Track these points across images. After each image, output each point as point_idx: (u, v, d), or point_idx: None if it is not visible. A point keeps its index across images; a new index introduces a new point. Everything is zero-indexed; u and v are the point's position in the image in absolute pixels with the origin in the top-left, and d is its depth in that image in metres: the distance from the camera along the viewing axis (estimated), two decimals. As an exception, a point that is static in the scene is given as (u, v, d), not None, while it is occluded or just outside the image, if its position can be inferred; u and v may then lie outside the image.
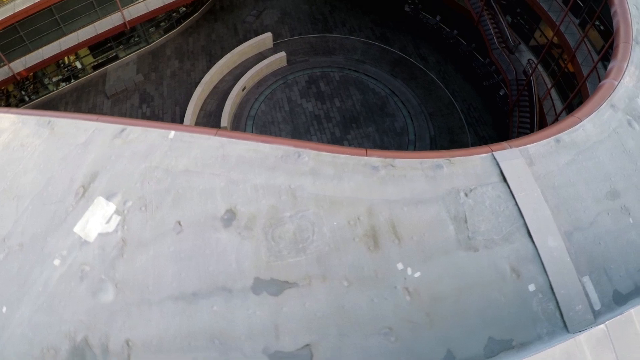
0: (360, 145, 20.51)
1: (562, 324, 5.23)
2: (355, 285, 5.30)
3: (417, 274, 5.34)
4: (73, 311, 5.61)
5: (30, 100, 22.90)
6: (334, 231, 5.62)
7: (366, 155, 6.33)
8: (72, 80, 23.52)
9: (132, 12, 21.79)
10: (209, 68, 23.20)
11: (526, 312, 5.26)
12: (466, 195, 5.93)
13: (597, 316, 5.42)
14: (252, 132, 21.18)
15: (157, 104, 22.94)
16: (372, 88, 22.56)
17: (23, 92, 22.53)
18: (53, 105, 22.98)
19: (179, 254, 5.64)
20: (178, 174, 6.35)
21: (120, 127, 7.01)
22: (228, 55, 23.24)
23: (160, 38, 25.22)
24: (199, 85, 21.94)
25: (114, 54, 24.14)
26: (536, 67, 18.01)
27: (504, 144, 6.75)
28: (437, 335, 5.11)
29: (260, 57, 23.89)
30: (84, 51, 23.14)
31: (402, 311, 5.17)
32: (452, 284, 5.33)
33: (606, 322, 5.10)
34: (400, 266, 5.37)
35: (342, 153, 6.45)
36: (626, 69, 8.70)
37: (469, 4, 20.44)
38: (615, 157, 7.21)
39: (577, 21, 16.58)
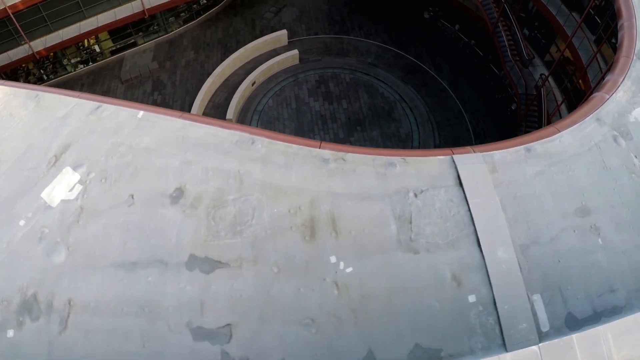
0: (362, 148, 20.39)
1: (501, 341, 5.00)
2: (284, 273, 5.29)
3: (349, 269, 5.25)
4: (28, 268, 5.91)
5: (49, 79, 23.64)
6: (273, 218, 5.65)
7: (319, 148, 6.32)
8: (90, 63, 24.18)
9: (152, 0, 22.28)
10: (222, 60, 23.49)
11: (462, 323, 5.05)
12: (416, 196, 5.80)
13: (543, 338, 5.14)
14: (256, 127, 21.33)
15: (169, 92, 23.35)
16: (381, 92, 22.41)
17: (42, 71, 23.30)
18: (69, 86, 23.68)
19: (127, 225, 5.92)
20: (139, 151, 6.65)
21: (96, 104, 7.44)
22: (242, 50, 23.48)
23: (179, 28, 25.69)
24: (210, 77, 22.23)
25: (132, 41, 24.71)
26: (546, 79, 17.55)
27: (468, 148, 6.58)
28: (360, 333, 5.00)
29: (274, 53, 24.06)
30: (103, 35, 23.78)
31: (328, 304, 5.09)
32: (384, 284, 5.20)
33: (540, 345, 4.90)
34: (333, 259, 5.31)
35: (295, 143, 6.43)
36: (621, 83, 8.39)
37: (485, 13, 20.09)
38: (593, 172, 6.93)
39: (592, 37, 16.09)
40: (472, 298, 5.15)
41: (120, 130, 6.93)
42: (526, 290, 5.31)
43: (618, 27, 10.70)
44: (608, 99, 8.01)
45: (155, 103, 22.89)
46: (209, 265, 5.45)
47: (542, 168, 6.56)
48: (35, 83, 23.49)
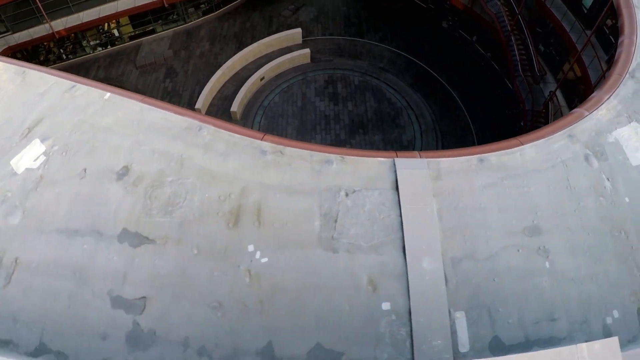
0: (362, 151, 20.26)
1: (410, 355, 4.84)
2: (202, 255, 5.39)
3: (264, 260, 5.28)
4: (-13, 226, 6.29)
5: (67, 59, 24.41)
6: (202, 202, 5.79)
7: (261, 140, 6.34)
8: (108, 47, 24.84)
9: (172, -10, 22.74)
10: (235, 54, 23.75)
11: (370, 330, 4.94)
12: (347, 195, 5.75)
13: (459, 358, 4.95)
14: (259, 122, 21.49)
15: (180, 80, 23.76)
16: (388, 97, 22.22)
17: (62, 50, 24.07)
18: (86, 67, 24.39)
19: (76, 196, 6.28)
20: (100, 129, 7.03)
21: (72, 83, 7.92)
22: (255, 45, 23.69)
23: (197, 19, 26.12)
24: (220, 69, 22.51)
25: (151, 28, 25.26)
26: (553, 95, 17.04)
27: (415, 152, 6.47)
28: (263, 324, 4.98)
29: (287, 51, 24.16)
30: (124, 20, 24.41)
31: (237, 291, 5.13)
32: (297, 279, 5.18)
33: None
34: (250, 248, 5.35)
35: (239, 133, 6.49)
36: (606, 101, 8.05)
37: (498, 25, 19.67)
38: (553, 191, 6.61)
39: (605, 57, 15.54)
40: (386, 306, 5.03)
41: (87, 109, 7.34)
42: (448, 306, 5.13)
43: (618, 43, 10.32)
44: (587, 115, 7.70)
45: (166, 90, 23.34)
46: (137, 240, 5.66)
47: (493, 180, 6.35)
48: (54, 62, 24.34)
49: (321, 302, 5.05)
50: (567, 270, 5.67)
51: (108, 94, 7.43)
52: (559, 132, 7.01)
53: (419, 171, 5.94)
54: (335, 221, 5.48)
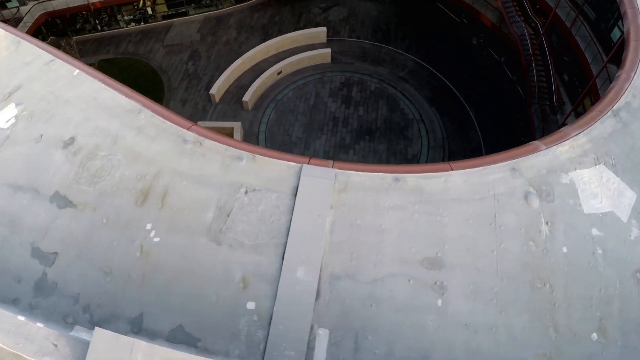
0: (364, 158, 20.10)
1: (259, 357, 4.86)
2: (109, 225, 5.78)
3: (157, 239, 5.55)
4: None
5: (102, 30, 25.46)
6: (122, 178, 6.15)
7: (187, 129, 6.52)
8: (141, 23, 25.72)
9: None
10: (259, 45, 24.04)
11: (230, 324, 5.02)
12: (246, 193, 5.86)
13: None
14: (269, 114, 21.69)
15: (202, 64, 24.31)
16: (402, 108, 21.91)
17: (97, 22, 25.12)
18: (117, 40, 25.35)
19: (27, 157, 6.80)
20: (62, 102, 7.52)
21: (52, 57, 8.41)
22: (278, 38, 23.90)
23: (229, 7, 26.62)
24: (240, 57, 22.86)
25: (184, 10, 25.96)
26: (561, 126, 16.27)
27: (330, 161, 6.35)
28: (140, 296, 5.25)
29: (310, 48, 24.24)
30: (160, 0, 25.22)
31: (127, 262, 5.45)
32: (177, 262, 5.40)
33: None
34: (148, 227, 5.65)
35: (170, 121, 6.66)
36: (573, 137, 7.62)
37: (520, 47, 18.98)
38: (472, 226, 6.17)
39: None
40: (251, 305, 5.10)
41: (57, 82, 7.84)
42: (313, 321, 5.08)
43: (615, 77, 9.79)
44: (542, 150, 7.30)
45: (187, 72, 23.94)
46: (63, 202, 6.12)
47: (403, 203, 6.08)
48: (89, 31, 25.44)
49: (192, 288, 5.24)
50: (461, 313, 5.37)
51: (77, 71, 7.88)
52: (501, 164, 6.69)
53: (322, 180, 5.83)
54: (228, 215, 5.61)
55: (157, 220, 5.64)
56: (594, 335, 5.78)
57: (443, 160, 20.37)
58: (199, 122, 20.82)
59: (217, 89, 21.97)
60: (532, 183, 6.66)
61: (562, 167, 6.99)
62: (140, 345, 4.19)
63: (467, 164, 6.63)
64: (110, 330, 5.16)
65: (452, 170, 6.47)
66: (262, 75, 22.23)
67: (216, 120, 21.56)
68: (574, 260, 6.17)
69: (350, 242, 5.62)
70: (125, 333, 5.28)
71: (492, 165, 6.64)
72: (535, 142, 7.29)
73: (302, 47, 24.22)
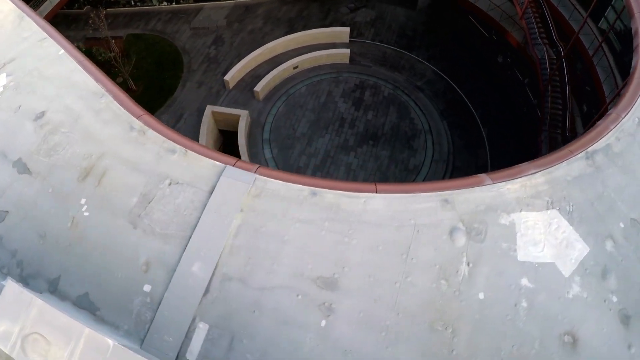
0: (365, 162, 20.00)
1: (142, 337, 5.12)
2: (52, 195, 6.25)
3: (87, 214, 5.97)
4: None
5: (135, 5, 26.32)
6: (72, 155, 6.58)
7: (137, 118, 6.80)
8: (173, 3, 26.41)
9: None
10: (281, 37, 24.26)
11: (125, 302, 5.32)
12: (170, 184, 6.09)
13: None
14: (279, 107, 21.87)
15: (224, 50, 24.75)
16: (412, 117, 21.62)
17: (131, -3, 26.04)
18: (148, 17, 26.14)
19: (5, 123, 7.38)
20: (43, 78, 8.05)
21: (45, 35, 8.92)
22: (300, 33, 24.03)
23: (260, -3, 26.93)
24: (259, 48, 23.13)
25: (215, -5, 26.48)
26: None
27: (254, 166, 6.39)
28: (62, 261, 5.76)
29: (332, 46, 24.26)
30: (194, -17, 25.80)
31: (59, 229, 5.92)
32: (97, 236, 5.79)
33: None
34: (82, 201, 6.06)
35: (126, 108, 7.02)
36: (529, 175, 7.24)
37: (539, 70, 18.33)
38: (380, 253, 5.93)
39: None
40: (147, 288, 5.37)
41: (44, 59, 8.31)
42: (196, 314, 5.27)
43: (606, 114, 9.34)
44: (487, 184, 6.96)
45: (207, 56, 24.44)
46: (22, 169, 6.64)
47: (313, 218, 6.04)
48: (123, 5, 26.35)
49: (104, 262, 5.62)
50: (343, 339, 5.29)
51: (62, 51, 8.33)
52: (433, 193, 6.43)
53: (239, 183, 5.91)
54: (149, 203, 5.85)
55: (91, 197, 6.07)
56: None
57: (445, 175, 20.01)
58: (209, 106, 21.32)
59: (232, 75, 22.33)
60: (464, 219, 6.29)
61: (505, 206, 6.47)
62: (37, 302, 4.47)
63: (395, 188, 6.43)
64: (32, 286, 5.70)
65: (377, 192, 6.32)
66: (277, 68, 22.44)
67: (227, 106, 21.93)
68: (489, 309, 5.80)
69: (250, 247, 5.68)
70: (42, 291, 5.79)
71: (422, 194, 6.38)
72: (482, 175, 6.86)
73: (324, 45, 24.26)
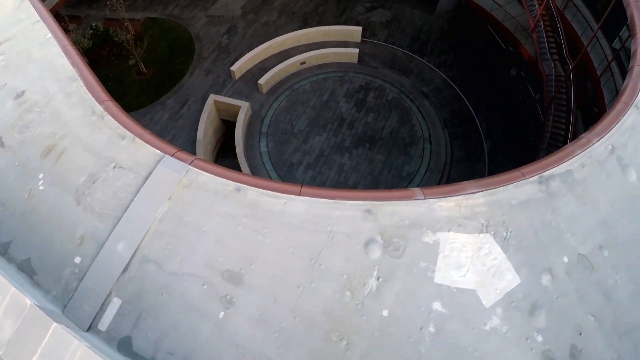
0: (358, 164, 19.87)
1: (65, 303, 5.73)
2: (18, 168, 6.85)
3: (42, 188, 6.57)
4: None
5: (155, -10, 26.80)
6: (39, 133, 7.12)
7: (99, 104, 7.30)
8: (192, -10, 26.76)
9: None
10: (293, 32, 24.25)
11: (59, 270, 5.98)
12: (114, 167, 6.49)
13: (91, 330, 5.60)
14: (281, 101, 21.94)
15: (236, 40, 24.96)
16: (413, 123, 21.31)
17: (152, -18, 26.48)
18: (166, 2, 26.61)
19: None
20: (29, 59, 8.55)
21: (38, 18, 9.35)
22: (312, 29, 23.97)
23: (278, -11, 26.95)
24: (269, 41, 23.20)
25: (234, -15, 26.65)
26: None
27: (191, 157, 6.57)
28: (15, 228, 6.39)
29: (343, 44, 24.10)
30: (213, -29, 26.05)
31: (17, 200, 6.56)
32: (46, 210, 6.42)
33: (65, 327, 5.08)
34: (40, 176, 6.63)
35: (92, 93, 7.59)
36: (468, 195, 6.97)
37: (545, 87, 17.71)
38: (291, 255, 6.02)
39: None
40: (77, 260, 5.93)
41: (33, 41, 8.81)
42: (112, 289, 5.73)
43: (579, 137, 8.93)
44: (418, 199, 6.75)
45: (219, 45, 24.71)
46: None
47: (233, 213, 6.25)
48: (144, -11, 26.86)
49: (48, 232, 6.20)
50: (237, 333, 5.43)
51: (49, 35, 8.78)
52: (357, 202, 6.35)
53: (172, 173, 6.23)
54: (93, 183, 6.39)
55: (48, 173, 6.65)
56: None
57: (439, 185, 19.65)
58: (212, 95, 21.58)
59: (239, 67, 22.52)
60: (384, 232, 6.15)
61: (432, 223, 6.27)
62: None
63: (319, 192, 6.40)
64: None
65: (299, 195, 6.32)
66: (284, 62, 22.48)
67: (231, 96, 22.15)
68: (391, 328, 5.70)
69: (172, 233, 6.02)
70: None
71: (346, 201, 6.33)
72: (415, 189, 6.66)
73: (335, 43, 24.12)
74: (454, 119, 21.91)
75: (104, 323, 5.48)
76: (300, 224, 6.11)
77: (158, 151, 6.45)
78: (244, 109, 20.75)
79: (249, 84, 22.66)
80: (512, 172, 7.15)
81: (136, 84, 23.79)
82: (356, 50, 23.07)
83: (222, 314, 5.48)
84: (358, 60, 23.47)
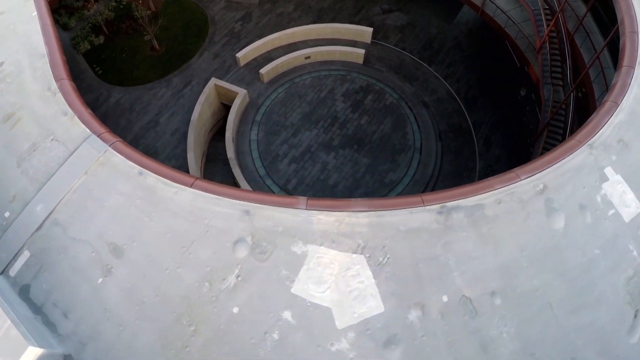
0: (342, 164, 19.78)
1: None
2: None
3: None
4: None
5: (180, -30, 27.31)
6: (5, 102, 7.99)
7: (56, 81, 8.00)
8: (215, -26, 27.13)
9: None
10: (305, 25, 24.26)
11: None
12: (52, 139, 7.29)
13: (4, 273, 6.50)
14: (279, 92, 22.06)
15: (249, 28, 25.23)
16: (406, 132, 20.97)
17: (178, -39, 26.99)
18: (189, -17, 27.10)
19: None
20: (15, 33, 9.30)
21: (32, 2, 10.04)
22: (322, 25, 23.92)
23: (299, -18, 26.94)
24: (278, 32, 23.32)
25: (256, -27, 26.83)
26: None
27: (114, 139, 7.43)
28: None
29: (352, 44, 23.94)
30: (237, -43, 26.31)
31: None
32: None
33: None
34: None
35: (53, 70, 8.11)
36: (353, 212, 6.75)
37: (542, 114, 17.02)
38: (166, 239, 6.48)
39: None
40: (6, 214, 6.82)
41: (21, 17, 9.58)
42: (25, 243, 6.58)
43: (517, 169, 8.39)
44: (300, 208, 6.72)
45: (231, 30, 25.06)
46: None
47: (130, 193, 6.87)
48: (170, -32, 27.42)
49: None
50: (107, 299, 6.18)
51: (35, 13, 9.50)
52: (241, 201, 6.55)
53: (93, 151, 7.00)
54: (34, 151, 7.22)
55: (2, 136, 7.53)
56: None
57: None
58: (213, 78, 21.95)
59: (244, 54, 22.78)
60: (256, 234, 6.25)
61: (305, 235, 6.29)
62: None
63: (209, 187, 6.62)
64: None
65: (191, 187, 6.55)
66: (288, 55, 22.56)
67: (233, 82, 22.45)
68: (237, 326, 5.86)
69: (79, 203, 6.78)
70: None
71: (229, 199, 6.47)
72: (300, 198, 6.64)
73: (344, 41, 23.99)
74: (450, 132, 21.42)
75: (14, 270, 6.32)
76: (183, 213, 6.39)
77: (88, 130, 7.21)
78: (240, 95, 21.00)
79: (252, 72, 22.89)
80: (412, 197, 6.86)
81: (147, 59, 24.49)
82: (362, 51, 22.86)
83: (100, 280, 6.15)
84: (364, 62, 23.26)
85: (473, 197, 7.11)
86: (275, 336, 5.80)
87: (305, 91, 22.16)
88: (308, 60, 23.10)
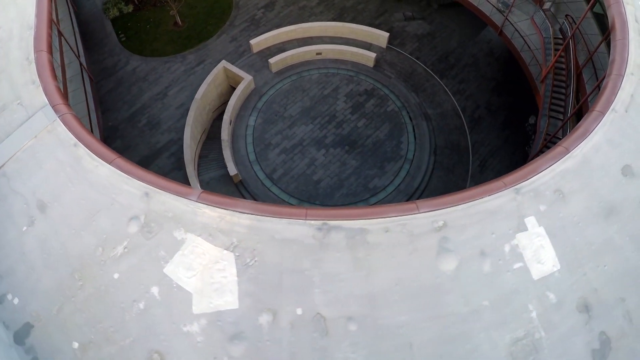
0: (330, 163, 19.95)
1: None
2: None
3: None
4: None
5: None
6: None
7: (35, 52, 8.70)
8: (248, -41, 27.59)
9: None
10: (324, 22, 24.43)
11: None
12: (18, 104, 8.16)
13: None
14: (285, 83, 22.38)
15: (269, 16, 25.62)
16: (401, 141, 20.90)
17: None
18: (221, -35, 27.68)
19: None
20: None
21: None
22: (340, 24, 23.99)
23: (328, -22, 27.04)
24: (293, 25, 23.60)
25: (287, -37, 27.11)
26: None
27: (67, 115, 7.93)
28: None
29: (367, 46, 23.95)
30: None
31: None
32: None
33: None
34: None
35: (35, 42, 8.87)
36: (239, 213, 7.06)
37: (535, 144, 16.60)
38: (76, 204, 7.16)
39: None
40: None
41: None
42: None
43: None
44: (190, 199, 6.98)
45: (252, 17, 25.51)
46: None
47: (64, 160, 7.56)
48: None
49: None
50: (25, 244, 7.04)
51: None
52: (145, 184, 7.21)
53: (44, 119, 7.82)
54: (2, 111, 8.16)
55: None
56: None
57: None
58: (223, 61, 22.47)
59: (258, 41, 23.19)
60: (149, 215, 6.77)
61: (188, 224, 6.63)
62: None
63: (123, 166, 7.22)
64: None
65: (110, 164, 7.14)
66: (300, 48, 22.81)
67: (243, 67, 22.93)
68: (113, 289, 6.49)
69: (24, 162, 7.62)
70: None
71: (136, 180, 7.03)
72: (193, 190, 6.96)
73: (359, 42, 24.01)
74: (446, 148, 21.17)
75: None
76: (97, 185, 6.97)
77: (46, 100, 7.89)
78: (245, 81, 21.45)
79: (263, 60, 23.30)
80: (297, 209, 6.93)
81: (169, 33, 25.31)
82: (373, 54, 22.83)
83: (25, 228, 6.96)
84: (374, 65, 23.22)
85: (360, 220, 6.79)
86: (141, 306, 6.25)
87: (310, 86, 22.38)
88: (319, 57, 23.28)
